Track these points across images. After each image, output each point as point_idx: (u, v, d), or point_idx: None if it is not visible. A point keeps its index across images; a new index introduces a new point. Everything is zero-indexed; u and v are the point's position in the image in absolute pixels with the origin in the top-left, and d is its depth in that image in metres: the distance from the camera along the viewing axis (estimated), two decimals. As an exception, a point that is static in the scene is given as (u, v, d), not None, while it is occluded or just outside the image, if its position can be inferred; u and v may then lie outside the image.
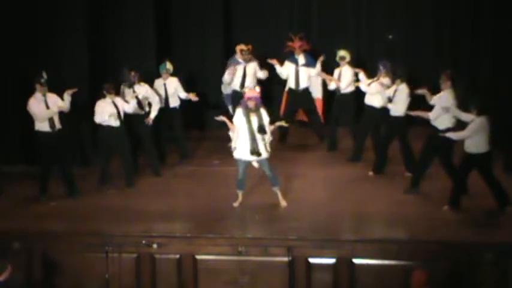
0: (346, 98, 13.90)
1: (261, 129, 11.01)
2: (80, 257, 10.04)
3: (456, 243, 9.71)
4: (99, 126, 12.13)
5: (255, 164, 11.25)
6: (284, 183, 11.76)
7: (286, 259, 9.76)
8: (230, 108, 14.23)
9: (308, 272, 9.79)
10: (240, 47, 14.27)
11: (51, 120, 11.75)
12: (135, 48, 14.53)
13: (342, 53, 13.90)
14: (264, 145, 11.09)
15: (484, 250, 9.50)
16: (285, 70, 14.41)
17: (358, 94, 13.52)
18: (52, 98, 11.78)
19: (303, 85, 14.43)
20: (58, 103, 11.79)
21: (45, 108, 11.68)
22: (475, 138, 10.55)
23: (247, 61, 14.23)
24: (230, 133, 11.24)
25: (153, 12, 14.94)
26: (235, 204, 11.28)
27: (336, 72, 13.98)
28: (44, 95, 11.70)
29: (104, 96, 12.08)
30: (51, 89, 11.87)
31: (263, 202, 11.44)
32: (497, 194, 10.74)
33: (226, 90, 14.60)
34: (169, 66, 13.66)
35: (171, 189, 12.27)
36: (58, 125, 11.85)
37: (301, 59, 14.34)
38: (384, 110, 12.54)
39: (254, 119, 11.03)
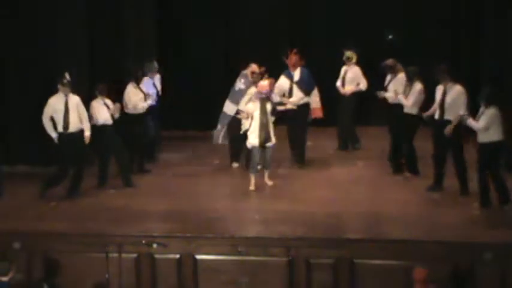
0: (351, 97, 14.26)
1: (275, 111, 12.01)
2: (80, 257, 10.00)
3: (456, 243, 9.68)
4: (94, 126, 12.12)
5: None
6: (285, 183, 11.78)
7: (286, 259, 9.75)
8: (219, 126, 13.41)
9: (308, 272, 9.75)
10: (252, 68, 13.09)
11: (66, 121, 11.75)
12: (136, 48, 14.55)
13: (348, 53, 14.28)
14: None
15: (484, 250, 9.45)
16: (280, 85, 13.28)
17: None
18: (73, 99, 11.79)
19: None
20: (79, 105, 11.81)
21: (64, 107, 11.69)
22: (489, 129, 10.57)
23: (253, 83, 13.01)
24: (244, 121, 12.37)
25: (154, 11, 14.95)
26: (251, 188, 11.84)
27: (343, 70, 14.38)
28: (66, 95, 11.73)
29: (95, 97, 12.17)
30: (51, 89, 11.91)
31: (263, 202, 11.48)
32: (500, 190, 10.73)
33: (229, 111, 13.38)
34: (156, 65, 14.04)
35: (171, 189, 12.28)
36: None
37: (296, 74, 13.33)
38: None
39: (268, 105, 11.88)
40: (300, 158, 13.18)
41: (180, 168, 13.41)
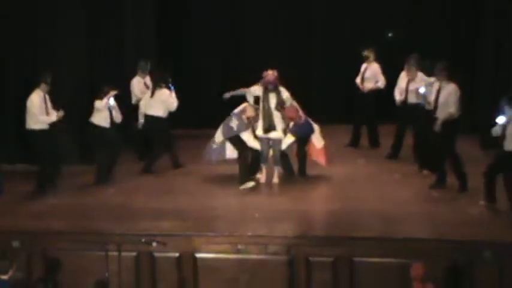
0: (369, 94, 14.30)
1: (279, 105, 11.79)
2: (79, 256, 10.00)
3: (455, 241, 9.67)
4: (93, 125, 12.35)
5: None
6: (285, 181, 11.82)
7: (286, 257, 9.75)
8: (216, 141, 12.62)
9: (308, 271, 9.75)
10: (247, 113, 12.17)
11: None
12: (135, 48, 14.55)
13: (365, 52, 14.48)
14: (282, 125, 11.85)
15: (482, 248, 9.45)
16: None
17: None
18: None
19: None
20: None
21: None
22: None
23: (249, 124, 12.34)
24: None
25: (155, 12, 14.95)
26: (261, 179, 11.94)
27: (362, 67, 14.50)
28: (45, 94, 11.93)
29: (101, 98, 12.28)
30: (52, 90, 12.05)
31: (263, 200, 11.49)
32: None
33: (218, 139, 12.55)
34: (148, 65, 14.04)
35: (171, 188, 12.29)
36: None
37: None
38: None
39: (272, 96, 11.75)
40: (301, 168, 12.49)
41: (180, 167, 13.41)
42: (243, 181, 11.96)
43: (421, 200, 11.26)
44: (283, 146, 12.13)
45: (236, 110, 12.26)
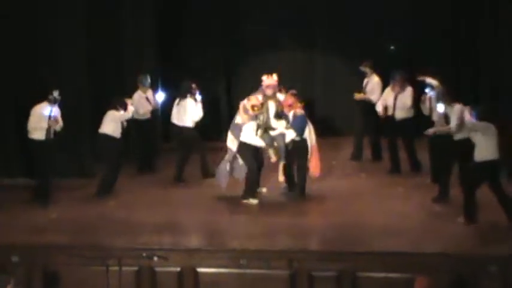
0: (371, 107, 14.13)
1: (278, 114, 11.62)
2: (80, 270, 9.90)
3: (460, 255, 9.59)
4: (105, 136, 12.30)
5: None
6: (287, 195, 11.80)
7: (288, 272, 9.65)
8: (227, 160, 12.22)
9: (310, 286, 9.64)
10: (251, 102, 11.89)
11: (48, 129, 12.03)
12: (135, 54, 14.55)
13: (362, 68, 14.44)
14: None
15: (487, 262, 9.35)
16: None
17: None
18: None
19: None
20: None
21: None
22: (483, 144, 10.43)
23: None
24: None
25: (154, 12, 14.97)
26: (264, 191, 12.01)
27: (364, 82, 14.43)
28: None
29: (116, 109, 12.39)
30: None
31: (264, 214, 11.42)
32: (506, 206, 10.59)
33: (233, 146, 12.09)
34: (149, 79, 14.03)
35: (172, 201, 12.23)
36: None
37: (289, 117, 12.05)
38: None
39: (272, 105, 11.61)
40: (301, 189, 12.08)
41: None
42: (247, 195, 11.84)
43: (425, 214, 11.18)
44: (287, 139, 11.83)
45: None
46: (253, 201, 11.82)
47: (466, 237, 10.17)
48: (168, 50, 16.11)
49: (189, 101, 13.24)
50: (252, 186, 11.87)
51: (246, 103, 11.81)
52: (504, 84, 13.63)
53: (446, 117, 11.48)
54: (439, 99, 11.62)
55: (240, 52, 16.93)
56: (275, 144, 11.86)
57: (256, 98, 11.84)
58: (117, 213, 11.54)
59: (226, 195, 12.10)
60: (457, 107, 11.19)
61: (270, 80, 11.91)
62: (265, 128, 11.82)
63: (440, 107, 11.52)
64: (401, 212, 11.28)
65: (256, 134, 11.80)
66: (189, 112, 13.25)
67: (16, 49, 13.17)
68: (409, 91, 13.30)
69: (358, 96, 14.37)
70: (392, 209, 11.42)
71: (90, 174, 13.20)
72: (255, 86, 12.25)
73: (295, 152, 11.94)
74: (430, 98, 12.30)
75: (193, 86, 13.33)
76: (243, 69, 16.56)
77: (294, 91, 12.02)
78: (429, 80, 12.42)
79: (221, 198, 12.10)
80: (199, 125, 13.50)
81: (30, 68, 13.06)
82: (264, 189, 12.24)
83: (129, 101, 12.75)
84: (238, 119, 12.01)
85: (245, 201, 11.80)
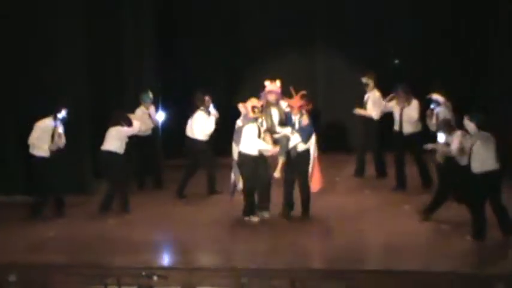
0: (373, 123, 13.99)
1: (282, 123, 11.37)
2: (78, 289, 9.81)
3: (466, 274, 9.46)
4: (109, 153, 12.18)
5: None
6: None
7: (290, 291, 9.52)
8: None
9: (313, 305, 9.55)
10: (252, 102, 11.49)
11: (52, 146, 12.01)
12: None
13: (364, 80, 14.14)
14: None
15: (494, 281, 9.19)
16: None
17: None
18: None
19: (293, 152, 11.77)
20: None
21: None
22: (483, 154, 10.29)
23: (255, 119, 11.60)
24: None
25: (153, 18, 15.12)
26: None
27: (365, 97, 14.15)
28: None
29: (121, 125, 12.25)
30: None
31: (266, 233, 11.29)
32: (501, 219, 10.47)
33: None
34: (151, 95, 13.90)
35: (172, 219, 12.10)
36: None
37: (298, 121, 11.61)
38: None
39: (275, 112, 11.37)
40: (305, 208, 11.76)
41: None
42: (248, 212, 11.64)
43: (431, 232, 11.06)
44: (291, 144, 11.47)
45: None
46: (254, 219, 11.62)
47: (472, 255, 10.07)
48: (168, 50, 16.08)
49: (200, 113, 13.09)
50: (249, 205, 11.64)
51: (245, 104, 11.48)
52: (504, 84, 13.58)
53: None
54: (440, 128, 11.42)
55: (240, 54, 16.95)
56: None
57: (256, 100, 11.51)
58: (117, 231, 11.41)
59: (228, 213, 11.95)
60: (457, 133, 11.03)
61: (273, 86, 11.67)
62: (269, 131, 11.55)
63: (441, 137, 11.28)
64: (407, 230, 11.14)
65: (259, 137, 11.46)
66: (199, 125, 13.09)
67: (16, 49, 13.17)
68: (414, 104, 13.09)
69: (358, 111, 14.19)
70: (397, 227, 11.28)
71: (90, 191, 13.04)
72: (256, 90, 12.05)
73: (297, 163, 11.60)
74: (436, 114, 12.17)
75: (206, 98, 13.16)
76: (245, 69, 16.56)
77: (304, 92, 11.55)
78: (435, 96, 12.32)
79: (223, 216, 11.94)
80: (212, 138, 13.30)
81: (31, 69, 13.08)
82: (266, 215, 11.78)
83: (132, 116, 12.61)
84: (239, 122, 11.73)
85: (246, 218, 11.62)
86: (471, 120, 10.46)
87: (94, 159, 12.84)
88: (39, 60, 13.09)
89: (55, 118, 11.95)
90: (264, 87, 11.90)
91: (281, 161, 11.60)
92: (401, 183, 13.37)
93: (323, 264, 10.21)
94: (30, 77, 13.00)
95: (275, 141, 11.63)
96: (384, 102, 13.83)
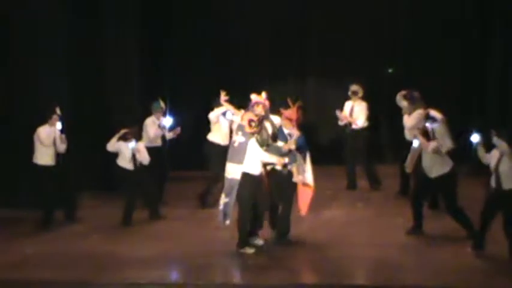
0: (359, 133, 13.89)
1: (274, 137, 10.93)
2: (62, 307, 9.66)
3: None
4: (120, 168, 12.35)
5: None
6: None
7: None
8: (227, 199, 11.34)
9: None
10: (248, 116, 10.76)
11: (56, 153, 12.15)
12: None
13: (354, 87, 13.99)
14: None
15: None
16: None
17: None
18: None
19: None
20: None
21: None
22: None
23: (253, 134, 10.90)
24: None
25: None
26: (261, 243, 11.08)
27: (348, 106, 14.03)
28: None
29: (126, 140, 12.23)
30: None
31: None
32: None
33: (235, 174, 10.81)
34: (162, 104, 13.59)
35: (159, 233, 11.95)
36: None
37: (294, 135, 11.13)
38: None
39: (267, 125, 10.97)
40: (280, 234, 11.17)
41: (170, 211, 13.02)
42: (243, 244, 10.89)
43: (423, 245, 10.95)
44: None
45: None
46: (250, 250, 10.88)
47: (468, 270, 9.89)
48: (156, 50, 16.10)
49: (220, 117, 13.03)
50: (243, 236, 10.90)
51: (241, 120, 10.86)
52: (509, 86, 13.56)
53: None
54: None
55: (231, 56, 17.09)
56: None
57: (252, 113, 10.83)
58: (101, 247, 11.23)
59: (217, 227, 11.69)
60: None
61: (259, 98, 11.13)
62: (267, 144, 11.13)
63: (415, 143, 11.22)
64: (399, 243, 11.04)
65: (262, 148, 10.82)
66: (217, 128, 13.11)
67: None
68: (415, 114, 12.82)
69: (341, 115, 13.93)
70: (390, 240, 11.17)
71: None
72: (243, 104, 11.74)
73: (287, 179, 11.05)
74: (431, 131, 11.94)
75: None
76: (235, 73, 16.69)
77: (300, 103, 11.13)
78: (433, 113, 12.14)
79: (212, 230, 11.71)
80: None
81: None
82: (261, 242, 11.13)
83: (130, 135, 12.38)
84: (239, 138, 10.80)
85: (241, 250, 10.89)
86: (500, 137, 10.15)
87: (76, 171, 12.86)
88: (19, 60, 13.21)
89: (52, 122, 11.98)
90: (250, 100, 11.51)
91: (295, 166, 11.14)
92: (403, 190, 13.34)
93: (315, 279, 10.10)
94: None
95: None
96: (363, 115, 13.91)
